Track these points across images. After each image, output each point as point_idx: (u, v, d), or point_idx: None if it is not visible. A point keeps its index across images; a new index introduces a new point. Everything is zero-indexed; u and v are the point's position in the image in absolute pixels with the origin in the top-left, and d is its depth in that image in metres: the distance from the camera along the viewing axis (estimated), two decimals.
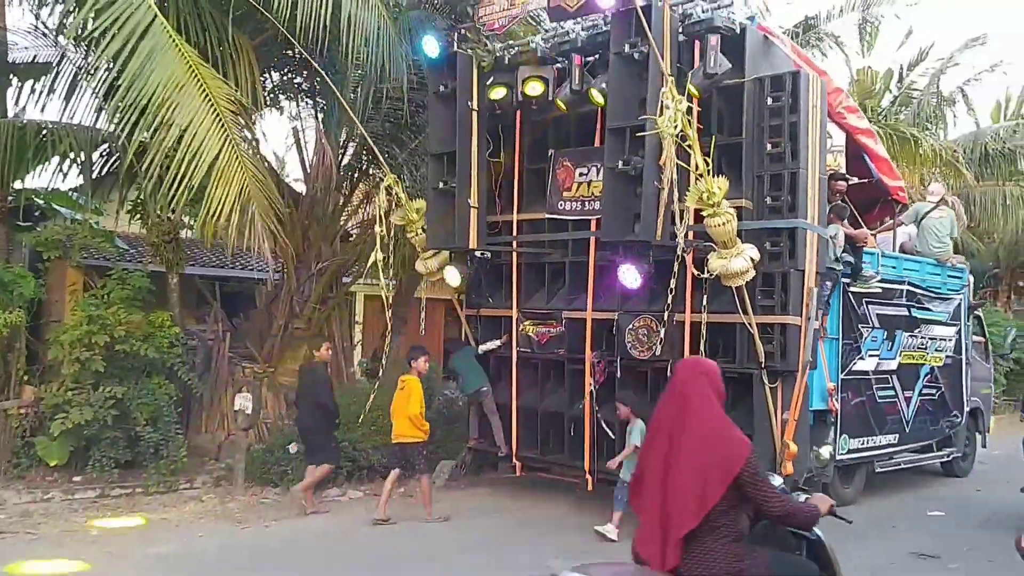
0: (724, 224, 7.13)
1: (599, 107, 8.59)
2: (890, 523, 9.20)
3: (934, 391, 10.75)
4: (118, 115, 8.82)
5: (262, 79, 11.51)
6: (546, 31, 9.30)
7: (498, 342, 9.89)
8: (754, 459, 3.56)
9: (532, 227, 9.72)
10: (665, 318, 7.88)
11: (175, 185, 8.28)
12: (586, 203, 9.07)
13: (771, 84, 7.95)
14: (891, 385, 9.90)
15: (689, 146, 7.02)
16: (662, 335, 7.98)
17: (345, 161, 12.57)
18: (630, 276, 7.97)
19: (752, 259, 7.34)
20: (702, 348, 7.71)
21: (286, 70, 12.43)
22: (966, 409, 11.43)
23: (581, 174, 9.11)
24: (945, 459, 11.47)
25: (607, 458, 8.44)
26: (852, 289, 9.13)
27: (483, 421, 10.21)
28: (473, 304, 10.28)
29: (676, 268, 7.52)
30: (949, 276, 11.08)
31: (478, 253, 9.39)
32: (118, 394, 9.61)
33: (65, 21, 10.41)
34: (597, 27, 8.60)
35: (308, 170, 12.23)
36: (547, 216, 9.46)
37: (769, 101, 7.90)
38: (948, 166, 17.89)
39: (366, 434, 10.20)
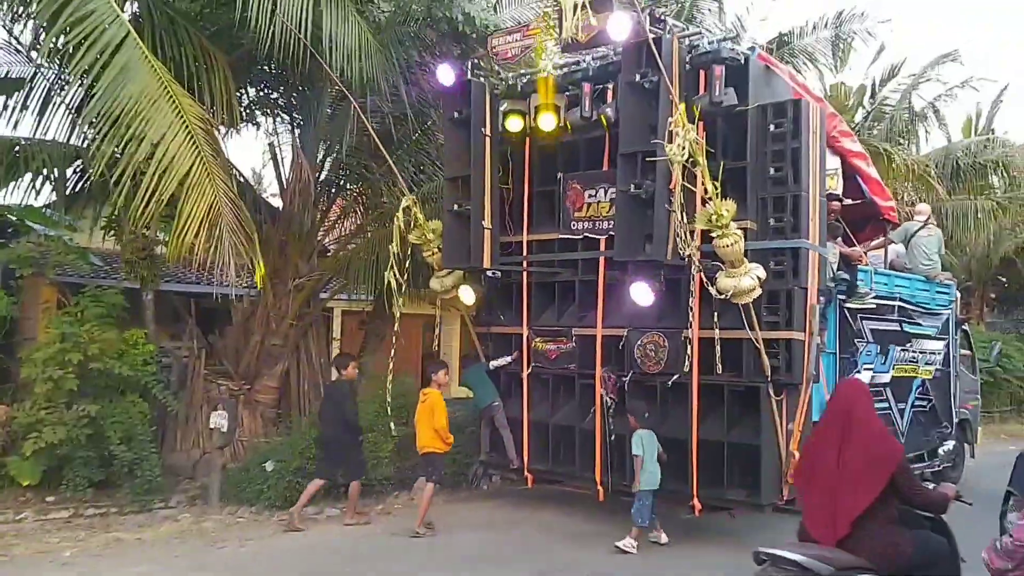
0: (732, 245, 7.47)
1: (606, 133, 8.97)
2: None
3: (925, 403, 11.06)
4: (90, 128, 8.76)
5: (238, 94, 11.49)
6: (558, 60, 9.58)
7: (509, 358, 10.10)
8: (905, 457, 4.75)
9: (542, 247, 9.96)
10: (691, 335, 8.19)
11: (146, 199, 8.22)
12: (595, 223, 9.37)
13: (773, 111, 8.27)
14: (885, 397, 10.11)
15: (699, 171, 7.41)
16: (689, 351, 8.23)
17: (323, 176, 12.54)
18: (642, 294, 8.33)
19: (759, 278, 7.68)
20: (716, 362, 8.03)
21: (262, 85, 12.42)
22: (955, 420, 11.73)
23: (590, 196, 9.41)
24: (937, 469, 11.48)
25: (618, 469, 8.78)
26: (848, 305, 9.39)
27: (494, 435, 10.34)
28: (484, 322, 10.52)
29: (694, 287, 7.98)
30: (937, 292, 11.40)
31: (489, 272, 9.70)
32: (92, 413, 9.50)
33: (39, 37, 10.34)
34: (607, 57, 9.01)
35: (285, 185, 12.20)
36: (557, 236, 9.74)
37: (772, 127, 8.22)
38: (920, 180, 18.15)
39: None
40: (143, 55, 8.39)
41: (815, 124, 8.30)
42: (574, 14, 8.50)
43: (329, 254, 13.06)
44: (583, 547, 8.43)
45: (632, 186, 7.88)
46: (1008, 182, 24.07)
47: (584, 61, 9.16)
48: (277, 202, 12.90)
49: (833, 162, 9.62)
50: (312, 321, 12.21)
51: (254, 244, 8.78)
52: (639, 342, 8.74)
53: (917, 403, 10.84)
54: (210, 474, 10.14)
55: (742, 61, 8.31)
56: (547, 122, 9.23)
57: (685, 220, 7.70)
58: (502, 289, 10.23)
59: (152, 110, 8.23)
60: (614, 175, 8.52)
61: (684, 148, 7.27)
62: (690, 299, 8.08)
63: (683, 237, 7.70)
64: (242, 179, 12.47)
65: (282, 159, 12.70)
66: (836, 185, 9.66)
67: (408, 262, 10.07)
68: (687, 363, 8.22)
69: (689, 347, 8.23)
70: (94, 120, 8.24)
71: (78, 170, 11.73)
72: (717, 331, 8.02)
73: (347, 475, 9.36)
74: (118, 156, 8.71)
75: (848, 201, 10.08)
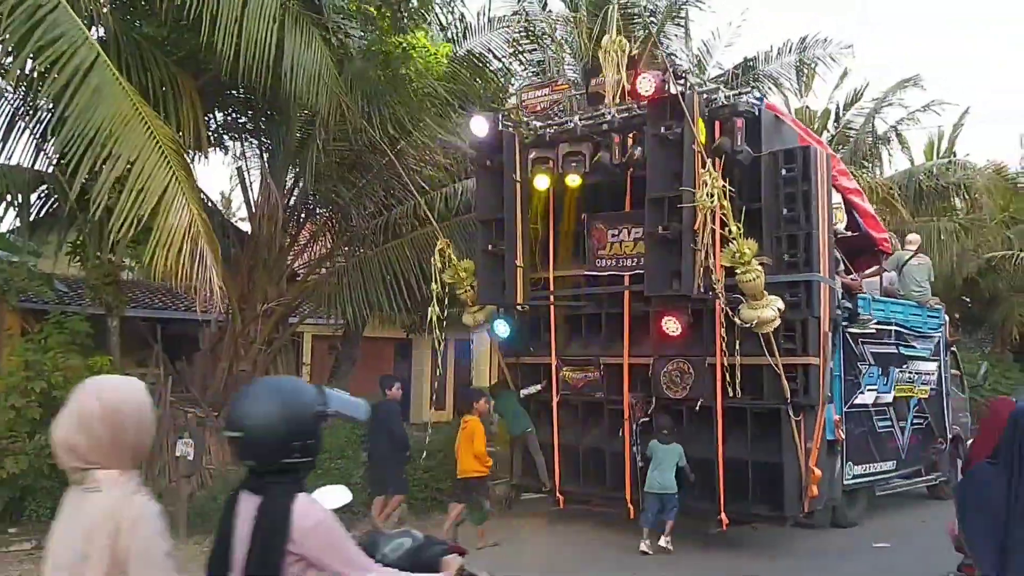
0: (755, 279, 8.24)
1: (628, 177, 9.74)
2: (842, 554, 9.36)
3: (922, 421, 11.82)
4: (64, 150, 8.68)
5: (206, 119, 11.44)
6: (583, 112, 10.28)
7: (538, 386, 10.60)
8: None
9: (567, 283, 10.61)
10: (726, 362, 8.82)
11: (122, 220, 8.14)
12: (619, 260, 10.08)
13: (784, 157, 9.00)
14: (888, 416, 10.94)
15: (724, 214, 8.19)
16: (733, 378, 8.79)
17: (292, 201, 12.49)
18: (672, 325, 9.01)
19: (779, 308, 8.43)
20: (737, 387, 8.69)
21: (230, 110, 12.37)
22: (949, 436, 12.27)
23: (613, 235, 10.13)
24: (933, 483, 12.51)
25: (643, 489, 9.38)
26: (850, 330, 9.98)
27: (526, 459, 10.83)
28: (513, 352, 11.03)
29: (723, 318, 8.71)
30: (928, 316, 12.18)
31: (518, 307, 10.29)
32: None
33: (3, 61, 10.23)
34: (630, 109, 9.54)
35: (254, 210, 12.13)
36: (582, 272, 10.40)
37: (784, 172, 8.95)
38: (884, 203, 18.43)
39: (311, 479, 9.90)
40: (114, 77, 8.39)
41: (822, 167, 9.01)
42: (615, 74, 9.53)
43: (299, 279, 12.98)
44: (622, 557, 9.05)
45: (660, 228, 8.68)
46: (970, 204, 24.51)
47: (609, 113, 9.63)
48: (246, 227, 12.82)
49: (835, 197, 10.21)
50: (281, 346, 12.11)
51: (230, 267, 8.74)
52: (664, 369, 9.35)
53: (915, 421, 11.59)
54: (176, 504, 9.96)
55: (756, 112, 8.98)
56: (573, 180, 10.08)
57: (715, 257, 8.46)
58: (531, 322, 10.76)
59: (126, 130, 8.22)
60: (636, 216, 9.54)
61: (713, 195, 8.08)
62: (722, 329, 8.77)
63: (713, 272, 8.40)
64: (210, 203, 12.39)
65: (251, 183, 12.64)
66: (842, 218, 10.30)
67: (382, 286, 10.06)
68: (730, 389, 8.81)
69: (726, 373, 8.85)
70: (68, 142, 8.16)
71: (42, 195, 11.58)
72: (739, 358, 8.66)
73: (393, 490, 9.76)
74: (86, 180, 8.65)
75: (847, 233, 10.63)
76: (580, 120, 9.92)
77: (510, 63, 15.58)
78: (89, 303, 11.55)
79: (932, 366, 12.11)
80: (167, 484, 10.74)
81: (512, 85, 16.73)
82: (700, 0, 18.57)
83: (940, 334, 12.48)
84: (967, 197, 23.47)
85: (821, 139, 10.70)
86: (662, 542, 9.07)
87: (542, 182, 10.16)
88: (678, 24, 19.35)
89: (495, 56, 13.89)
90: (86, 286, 11.58)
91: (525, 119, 10.30)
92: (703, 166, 8.34)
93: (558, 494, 10.44)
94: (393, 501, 9.71)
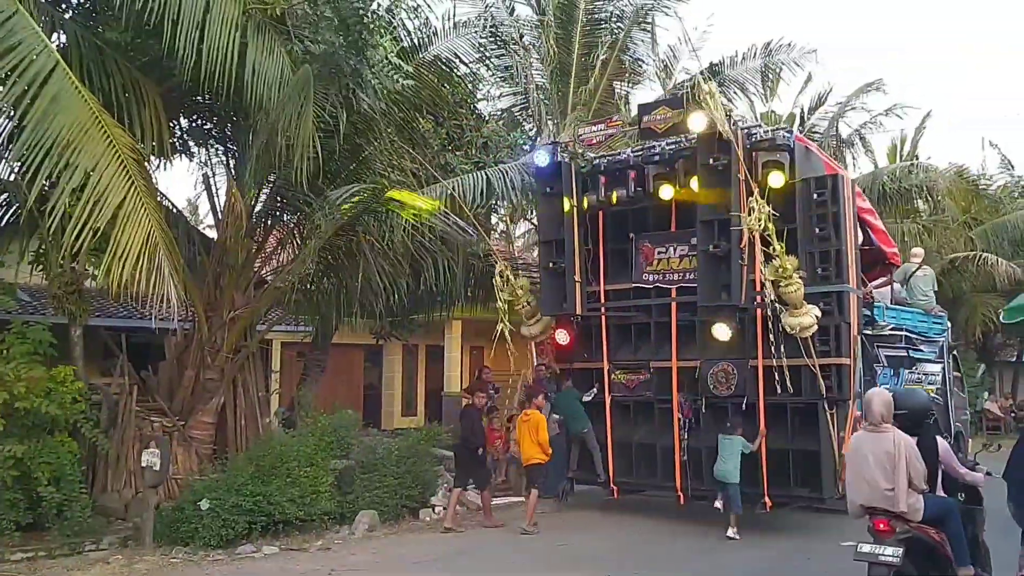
0: (796, 291, 9.64)
1: (673, 201, 11.19)
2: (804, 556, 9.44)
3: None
4: (21, 158, 8.57)
5: (171, 125, 11.33)
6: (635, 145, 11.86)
7: (595, 390, 11.91)
8: None
9: (617, 295, 11.88)
10: (778, 364, 10.08)
11: (79, 230, 8.03)
12: (665, 275, 11.48)
13: (816, 184, 10.29)
14: None
15: (768, 235, 9.56)
16: (781, 377, 10.07)
17: (258, 207, 12.38)
18: (722, 332, 10.39)
19: (817, 315, 9.78)
20: (786, 384, 10.03)
21: (195, 116, 12.25)
22: (952, 433, 13.18)
23: (660, 253, 11.54)
24: None
25: (693, 478, 10.83)
26: (865, 334, 10.82)
27: (582, 454, 12.04)
28: (569, 358, 12.35)
29: (770, 324, 10.00)
30: (933, 323, 13.29)
31: (579, 317, 11.67)
32: (18, 453, 9.18)
33: None
34: (679, 143, 10.95)
35: (220, 216, 12.03)
36: (631, 286, 11.72)
37: (815, 196, 10.24)
38: None
39: (280, 487, 9.90)
40: (73, 85, 8.29)
41: (847, 191, 10.35)
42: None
43: (267, 286, 12.88)
44: (677, 541, 10.32)
45: (711, 247, 10.14)
46: (933, 206, 24.86)
47: (659, 146, 11.08)
48: (214, 233, 12.69)
49: None
50: (249, 354, 11.98)
51: (196, 274, 8.65)
52: (711, 371, 10.72)
53: None
54: (143, 514, 9.85)
55: (791, 145, 10.32)
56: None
57: (763, 271, 9.79)
58: (584, 331, 12.05)
59: (84, 139, 8.13)
60: (681, 236, 11.17)
61: (761, 220, 9.51)
62: (770, 335, 10.06)
63: (766, 284, 9.75)
64: (175, 210, 12.26)
65: (217, 190, 12.51)
66: (858, 235, 11.16)
67: (344, 294, 9.96)
68: (778, 387, 10.12)
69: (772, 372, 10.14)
70: (26, 150, 8.04)
71: (3, 204, 11.42)
72: (784, 360, 10.00)
73: (477, 484, 11.23)
74: (46, 189, 8.53)
75: (861, 248, 11.45)
76: (632, 152, 11.41)
77: (477, 68, 15.59)
78: (52, 312, 11.39)
79: (937, 368, 13.12)
80: (133, 495, 10.63)
81: (480, 90, 16.77)
82: (666, 6, 18.74)
83: (944, 339, 13.59)
84: (930, 199, 23.83)
85: (841, 166, 12.06)
86: (729, 532, 9.98)
87: (595, 206, 11.69)
88: (644, 30, 19.49)
89: (462, 61, 13.89)
90: (49, 295, 11.39)
91: (581, 151, 11.69)
92: (749, 194, 9.71)
93: (612, 485, 11.75)
94: (484, 496, 11.27)
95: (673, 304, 11.26)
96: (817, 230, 10.18)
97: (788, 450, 10.18)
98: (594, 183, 11.64)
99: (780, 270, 9.61)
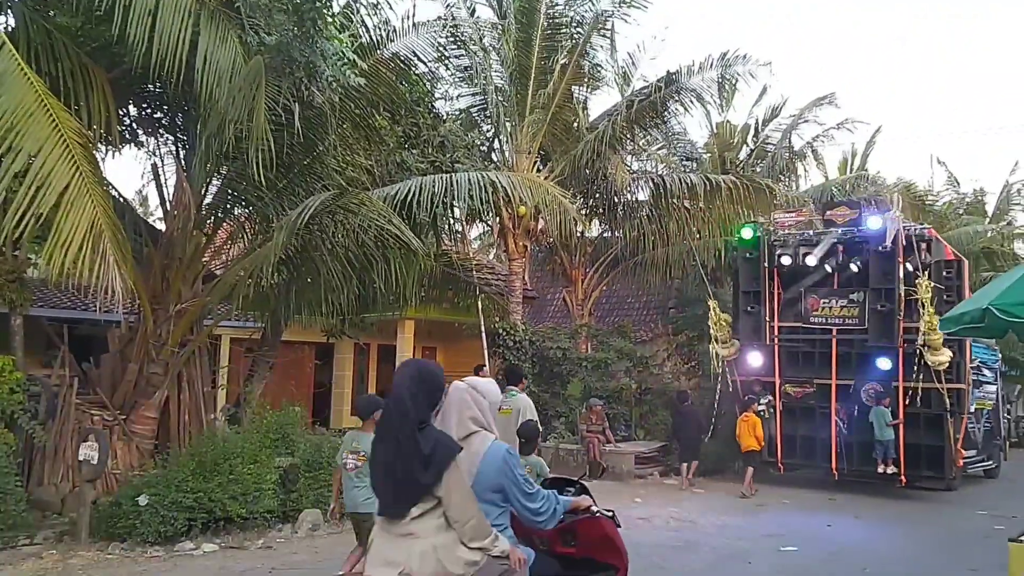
0: (938, 339, 13.92)
1: (836, 269, 15.50)
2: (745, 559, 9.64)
3: (989, 425, 18.00)
4: None
5: (120, 112, 11.10)
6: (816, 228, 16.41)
7: (769, 397, 15.87)
8: None
9: (789, 330, 16.09)
10: (914, 386, 14.57)
11: (21, 216, 7.79)
12: (827, 319, 15.64)
13: (946, 265, 15.22)
14: (972, 422, 16.00)
15: (924, 300, 14.10)
16: (924, 395, 14.73)
17: (208, 200, 12.17)
18: (885, 363, 14.57)
19: (950, 355, 14.13)
20: (918, 399, 14.59)
21: (145, 104, 12.01)
22: (1002, 436, 19.29)
23: (824, 303, 15.71)
24: (989, 466, 18.15)
25: (846, 461, 15.30)
26: None
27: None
28: (754, 373, 16.15)
29: (917, 360, 14.34)
30: (992, 354, 17.93)
31: (766, 344, 16.10)
32: None
33: None
34: (852, 230, 15.35)
35: (169, 208, 11.81)
36: (800, 324, 15.85)
37: (944, 274, 15.06)
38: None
39: (223, 484, 9.74)
40: (19, 66, 8.06)
41: (966, 271, 15.52)
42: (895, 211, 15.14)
43: (216, 280, 12.67)
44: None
45: (879, 305, 14.60)
46: None
47: (836, 231, 15.50)
48: (163, 226, 12.46)
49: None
50: (195, 349, 11.76)
51: (141, 266, 8.43)
52: (864, 387, 14.96)
53: (985, 425, 17.62)
54: (79, 509, 9.62)
55: (928, 236, 15.08)
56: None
57: (921, 324, 14.17)
58: (765, 354, 16.12)
59: (28, 123, 7.89)
60: (840, 292, 15.47)
61: (928, 290, 14.03)
62: (915, 367, 14.40)
63: (923, 332, 14.09)
64: (121, 199, 12.01)
65: (166, 180, 12.27)
66: None
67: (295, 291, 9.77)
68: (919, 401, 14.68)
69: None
70: None
71: None
72: (921, 383, 14.45)
73: (691, 456, 15.83)
74: None
75: None
76: (813, 234, 15.89)
77: (436, 67, 15.53)
78: None
79: (993, 388, 17.98)
80: (71, 489, 10.38)
81: (438, 90, 16.70)
82: (626, 13, 18.84)
83: (997, 365, 18.61)
84: None
85: (949, 246, 16.41)
86: (882, 468, 14.55)
87: (780, 268, 15.93)
88: (604, 35, 19.59)
89: (420, 60, 13.81)
90: None
91: (773, 228, 16.51)
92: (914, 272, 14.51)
93: (779, 463, 15.99)
94: (693, 465, 15.71)
95: (834, 340, 15.42)
96: (945, 296, 14.65)
97: (920, 444, 14.54)
98: (783, 253, 15.83)
99: (928, 324, 13.91)
